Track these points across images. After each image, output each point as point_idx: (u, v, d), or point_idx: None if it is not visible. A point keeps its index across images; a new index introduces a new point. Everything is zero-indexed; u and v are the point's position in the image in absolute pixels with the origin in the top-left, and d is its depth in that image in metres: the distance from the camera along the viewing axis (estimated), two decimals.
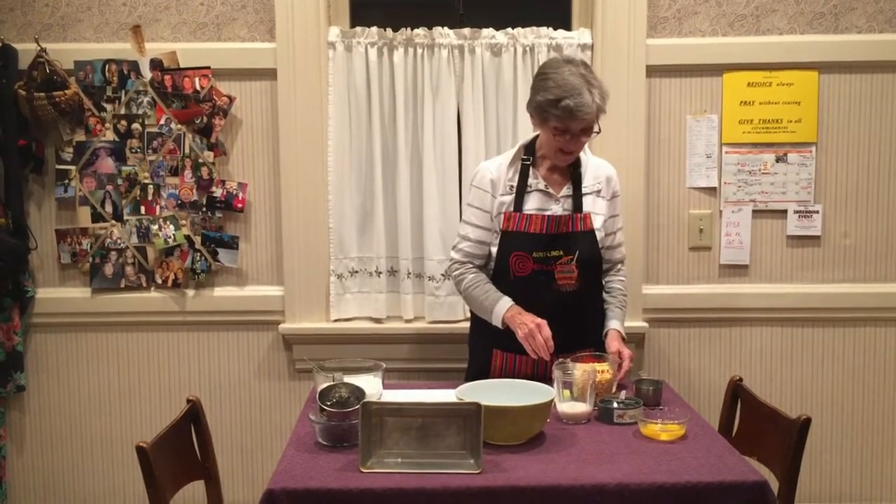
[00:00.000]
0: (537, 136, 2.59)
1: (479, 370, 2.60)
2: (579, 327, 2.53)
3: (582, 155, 2.59)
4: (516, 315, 2.44)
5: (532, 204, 2.54)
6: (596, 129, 2.47)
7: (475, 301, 2.56)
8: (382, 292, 3.11)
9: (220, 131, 3.05)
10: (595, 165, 2.62)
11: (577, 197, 2.54)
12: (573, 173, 2.57)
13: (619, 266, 2.71)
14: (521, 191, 2.54)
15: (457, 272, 2.62)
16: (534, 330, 2.38)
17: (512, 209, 2.53)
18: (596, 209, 2.57)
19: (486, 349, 2.60)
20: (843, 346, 3.16)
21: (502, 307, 2.48)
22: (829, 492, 3.21)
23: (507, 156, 2.62)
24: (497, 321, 2.49)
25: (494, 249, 2.56)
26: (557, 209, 2.53)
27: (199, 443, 2.38)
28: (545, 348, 2.38)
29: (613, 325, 2.59)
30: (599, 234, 2.55)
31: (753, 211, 3.10)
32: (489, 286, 2.54)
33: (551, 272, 2.48)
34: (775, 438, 2.22)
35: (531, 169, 2.56)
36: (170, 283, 3.11)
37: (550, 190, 2.54)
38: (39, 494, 3.22)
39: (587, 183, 2.57)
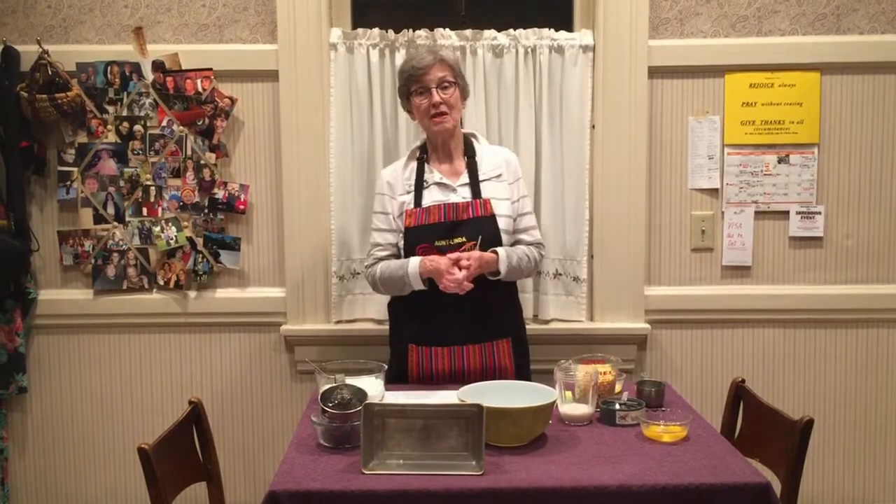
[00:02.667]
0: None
1: (399, 368, 2.64)
2: (490, 313, 2.56)
3: (476, 145, 2.68)
4: (428, 265, 2.47)
5: (431, 197, 2.60)
6: (456, 89, 2.57)
7: (391, 281, 2.58)
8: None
9: (222, 133, 3.05)
10: (491, 153, 2.69)
11: (474, 184, 2.59)
12: (468, 163, 2.62)
13: (533, 247, 2.66)
14: (419, 187, 2.61)
15: (367, 274, 2.67)
16: (444, 274, 2.43)
17: (412, 206, 2.59)
18: (498, 194, 2.60)
19: (404, 346, 2.64)
20: (846, 348, 3.15)
21: (414, 266, 2.51)
22: (832, 494, 3.20)
23: (402, 159, 2.72)
24: (416, 282, 2.51)
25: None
26: (456, 198, 2.58)
27: (200, 444, 2.38)
28: (458, 281, 2.41)
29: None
30: (507, 220, 2.59)
31: (755, 212, 3.10)
32: (395, 262, 2.59)
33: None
34: (778, 440, 2.22)
35: (426, 165, 2.64)
36: (172, 284, 3.11)
37: (446, 181, 2.60)
38: (41, 496, 3.22)
39: (485, 170, 2.63)
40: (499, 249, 2.53)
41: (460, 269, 2.44)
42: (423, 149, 2.69)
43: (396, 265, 2.56)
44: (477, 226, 2.53)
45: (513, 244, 2.63)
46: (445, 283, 2.43)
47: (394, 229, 2.63)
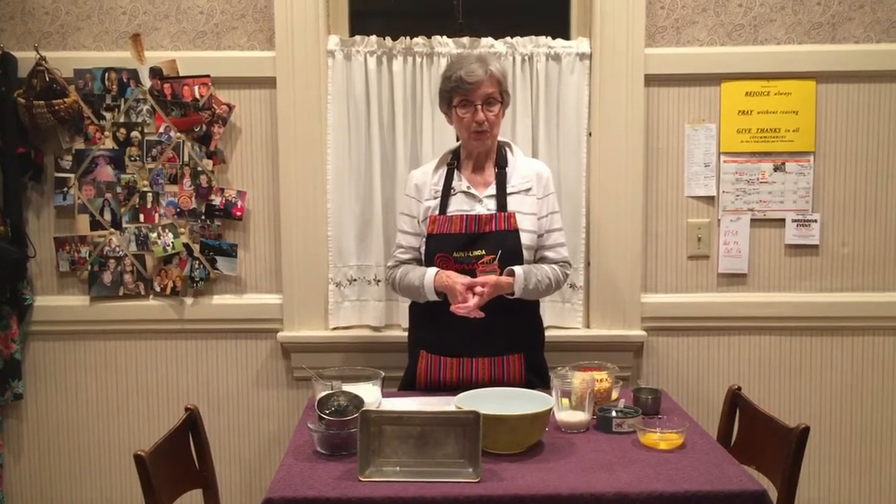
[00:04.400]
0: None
1: (412, 374, 2.64)
2: (504, 327, 2.52)
3: (509, 156, 2.64)
4: (444, 280, 2.45)
5: (456, 206, 2.57)
6: (502, 107, 2.55)
7: (408, 289, 2.57)
8: (381, 300, 3.11)
9: (220, 139, 3.06)
10: (523, 165, 2.64)
11: (501, 196, 2.55)
12: (498, 173, 2.59)
13: (557, 265, 2.61)
14: (446, 194, 2.58)
15: (388, 275, 2.67)
16: (457, 297, 2.42)
17: (437, 213, 2.56)
18: (524, 208, 2.56)
19: (416, 351, 2.64)
20: (842, 355, 3.16)
21: (430, 278, 2.49)
22: (828, 501, 3.20)
23: (434, 162, 2.68)
24: (431, 294, 2.50)
25: None
26: (481, 209, 2.55)
27: (197, 451, 2.37)
28: (468, 308, 2.39)
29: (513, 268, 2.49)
30: (530, 236, 2.55)
31: (752, 220, 3.11)
32: (415, 269, 2.57)
33: (473, 272, 2.47)
34: (774, 447, 2.22)
35: (456, 172, 2.61)
36: (168, 291, 3.11)
37: (473, 191, 2.58)
38: (37, 502, 3.21)
39: (514, 182, 2.58)
40: (517, 269, 2.47)
41: (474, 294, 2.41)
42: (454, 153, 2.65)
43: (415, 274, 2.54)
44: (498, 239, 2.49)
45: (538, 260, 2.60)
46: (455, 309, 2.41)
47: (418, 233, 2.62)
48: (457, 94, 2.51)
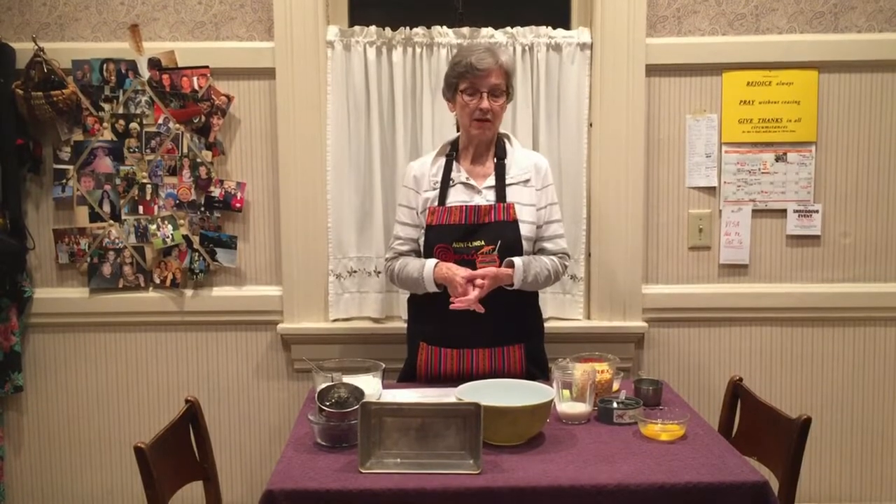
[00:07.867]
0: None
1: (411, 366, 2.64)
2: (504, 318, 2.51)
3: (508, 147, 2.63)
4: (444, 272, 2.45)
5: (455, 197, 2.56)
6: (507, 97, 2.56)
7: (408, 280, 2.57)
8: (381, 292, 3.10)
9: (219, 131, 3.04)
10: (522, 156, 2.63)
11: (500, 187, 2.55)
12: (497, 165, 2.58)
13: (556, 257, 2.61)
14: (445, 185, 2.57)
15: (386, 267, 2.66)
16: (457, 289, 2.41)
17: (436, 204, 2.56)
18: (523, 199, 2.56)
19: (416, 343, 2.63)
20: (843, 346, 3.15)
21: (429, 269, 2.48)
22: (829, 492, 3.21)
23: (432, 153, 2.67)
24: (430, 285, 2.49)
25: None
26: (481, 200, 2.54)
27: (197, 443, 2.38)
28: (468, 301, 2.39)
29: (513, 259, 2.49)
30: (529, 227, 2.54)
31: (753, 210, 3.10)
32: (414, 261, 2.56)
33: (472, 263, 2.47)
34: (775, 438, 2.22)
35: (455, 163, 2.60)
36: (168, 282, 3.10)
37: (473, 182, 2.57)
38: (37, 495, 3.21)
39: (513, 173, 2.58)
40: (517, 261, 2.47)
41: (474, 286, 2.41)
42: (453, 145, 2.64)
43: (414, 265, 2.53)
44: (498, 230, 2.49)
45: (536, 252, 2.60)
46: (457, 304, 2.40)
47: (416, 224, 2.61)
48: (465, 79, 2.50)
